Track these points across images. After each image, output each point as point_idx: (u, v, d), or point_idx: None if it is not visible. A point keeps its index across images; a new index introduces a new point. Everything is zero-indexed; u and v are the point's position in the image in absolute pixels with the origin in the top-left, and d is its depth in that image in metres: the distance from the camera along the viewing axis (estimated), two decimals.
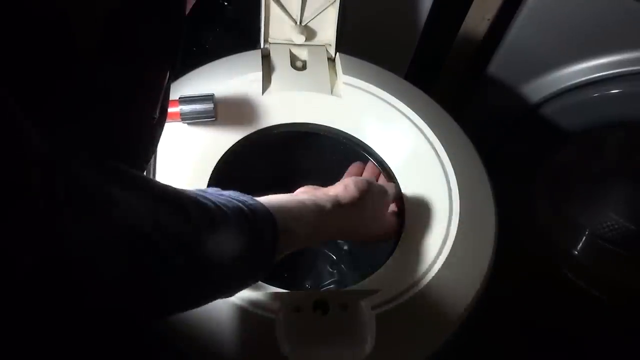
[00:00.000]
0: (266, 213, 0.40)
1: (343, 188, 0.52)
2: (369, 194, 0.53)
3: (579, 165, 1.00)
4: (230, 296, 0.41)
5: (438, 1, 0.89)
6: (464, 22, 0.89)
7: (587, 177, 1.02)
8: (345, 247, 0.82)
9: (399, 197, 0.61)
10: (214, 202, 0.35)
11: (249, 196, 0.40)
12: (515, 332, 1.06)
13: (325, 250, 0.83)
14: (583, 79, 0.77)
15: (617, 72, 0.75)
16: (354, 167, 0.67)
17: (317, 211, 0.47)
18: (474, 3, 0.87)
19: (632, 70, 0.73)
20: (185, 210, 0.32)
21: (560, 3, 0.73)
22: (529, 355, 1.07)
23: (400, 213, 0.60)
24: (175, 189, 0.34)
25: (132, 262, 0.28)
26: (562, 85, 0.79)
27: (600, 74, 0.76)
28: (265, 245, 0.39)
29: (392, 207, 0.60)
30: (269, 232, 0.39)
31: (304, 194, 0.51)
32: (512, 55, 0.81)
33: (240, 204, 0.37)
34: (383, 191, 0.57)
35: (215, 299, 0.38)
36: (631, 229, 0.99)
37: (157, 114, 0.41)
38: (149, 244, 0.29)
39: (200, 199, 0.35)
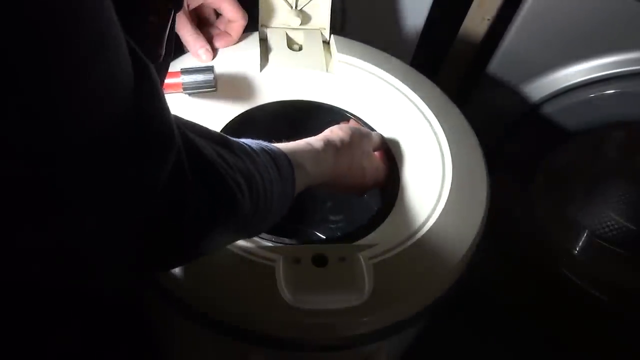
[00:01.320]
0: (280, 152, 0.45)
1: (329, 132, 0.57)
2: (354, 134, 0.57)
3: (579, 165, 1.00)
4: (262, 231, 0.48)
5: (438, 1, 0.89)
6: (464, 22, 0.89)
7: (587, 177, 1.02)
8: (339, 224, 0.83)
9: (385, 146, 0.64)
10: (246, 144, 0.41)
11: (263, 141, 0.45)
12: (514, 331, 1.06)
13: (318, 233, 0.85)
14: (583, 79, 0.77)
15: (617, 72, 0.75)
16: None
17: (313, 149, 0.51)
18: (473, 3, 0.87)
19: (632, 70, 0.73)
20: (232, 148, 0.38)
21: (560, 3, 0.73)
22: (529, 355, 1.07)
23: (390, 161, 0.62)
24: (217, 133, 0.39)
25: (218, 190, 0.33)
26: (562, 85, 0.79)
27: (600, 74, 0.76)
28: (287, 177, 0.44)
29: (379, 154, 0.64)
30: (287, 166, 0.44)
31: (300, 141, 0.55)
32: (512, 55, 0.81)
33: (261, 145, 0.43)
34: (366, 132, 0.61)
35: (260, 228, 0.46)
36: (631, 229, 0.99)
37: (163, 52, 0.41)
38: (228, 173, 0.34)
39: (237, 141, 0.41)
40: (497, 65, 0.84)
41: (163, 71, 0.44)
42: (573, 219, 1.02)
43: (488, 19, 0.87)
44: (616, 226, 1.00)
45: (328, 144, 0.53)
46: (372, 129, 0.66)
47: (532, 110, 0.84)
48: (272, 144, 0.46)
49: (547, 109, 0.82)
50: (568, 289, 0.97)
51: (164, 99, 0.28)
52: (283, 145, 0.48)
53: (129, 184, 0.26)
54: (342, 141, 0.55)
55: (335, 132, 0.57)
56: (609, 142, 0.97)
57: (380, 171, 0.61)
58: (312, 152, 0.51)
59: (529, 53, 0.80)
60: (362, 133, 0.60)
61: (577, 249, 1.01)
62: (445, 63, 0.97)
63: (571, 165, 0.98)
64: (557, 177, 0.96)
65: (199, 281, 0.47)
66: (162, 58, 0.41)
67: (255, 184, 0.38)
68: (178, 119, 0.33)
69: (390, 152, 0.63)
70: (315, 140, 0.53)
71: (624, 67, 0.74)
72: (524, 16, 0.77)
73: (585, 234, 1.02)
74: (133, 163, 0.26)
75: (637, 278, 0.96)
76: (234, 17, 0.66)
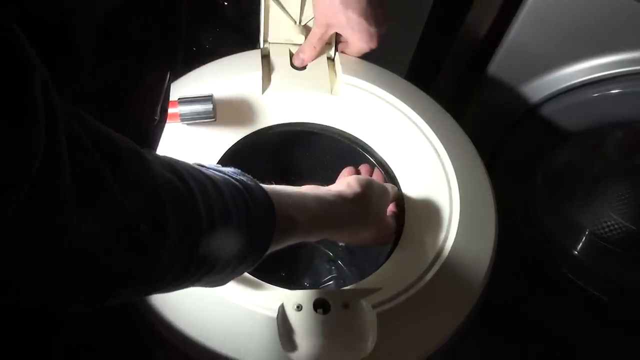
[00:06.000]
0: (264, 195, 0.37)
1: (345, 185, 0.50)
2: (371, 192, 0.51)
3: (579, 165, 1.00)
4: (219, 285, 0.38)
5: (438, 1, 0.89)
6: (464, 22, 0.89)
7: (587, 177, 1.02)
8: (342, 244, 0.83)
9: (399, 199, 0.60)
10: (210, 179, 0.34)
11: (249, 176, 0.38)
12: (514, 331, 1.06)
13: (322, 248, 0.83)
14: (583, 79, 0.77)
15: (617, 72, 0.74)
16: (347, 170, 0.65)
17: (320, 203, 0.45)
18: (474, 3, 0.87)
19: (632, 70, 0.73)
20: (188, 185, 0.31)
21: (561, 3, 0.73)
22: (529, 355, 1.07)
23: (400, 214, 0.59)
24: (176, 166, 0.31)
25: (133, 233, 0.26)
26: (562, 85, 0.79)
27: (600, 74, 0.75)
28: (260, 227, 0.36)
29: (391, 208, 0.60)
30: (265, 215, 0.37)
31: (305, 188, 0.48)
32: (512, 55, 0.81)
33: (237, 183, 0.36)
34: (385, 190, 0.55)
35: (204, 281, 0.36)
36: (631, 229, 0.99)
37: (158, 114, 0.41)
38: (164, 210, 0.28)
39: (195, 174, 0.33)
40: (497, 65, 0.84)
41: (158, 134, 0.43)
42: (573, 219, 1.02)
43: (488, 19, 0.87)
44: (616, 226, 1.00)
45: (341, 199, 0.47)
46: (387, 165, 0.64)
47: (532, 110, 0.83)
48: (258, 185, 0.38)
49: (547, 109, 0.82)
50: (568, 289, 0.97)
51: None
52: (277, 188, 0.40)
53: None
54: (356, 198, 0.49)
55: (353, 187, 0.50)
56: (609, 142, 0.97)
57: (388, 231, 0.56)
58: (318, 204, 0.44)
59: (529, 53, 0.80)
60: (380, 190, 0.54)
61: (577, 249, 1.01)
62: (446, 63, 0.97)
63: (571, 165, 0.98)
64: (557, 177, 0.96)
65: (197, 333, 0.46)
66: (156, 122, 0.40)
67: (196, 229, 0.30)
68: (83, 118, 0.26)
69: (402, 201, 0.60)
70: (327, 194, 0.47)
71: (624, 67, 0.74)
72: (524, 16, 0.76)
73: (585, 234, 1.02)
74: None
75: (637, 278, 0.96)
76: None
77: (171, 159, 0.32)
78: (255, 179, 0.38)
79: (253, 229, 0.36)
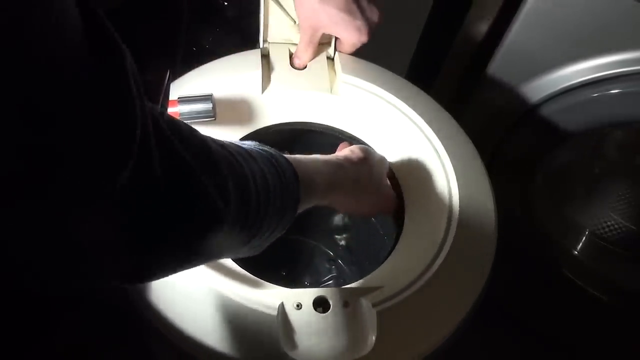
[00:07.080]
0: (287, 162, 0.41)
1: (349, 151, 0.54)
2: (372, 157, 0.55)
3: (579, 165, 1.00)
4: (258, 251, 0.41)
5: (438, 1, 0.89)
6: (464, 22, 0.89)
7: (587, 177, 1.02)
8: (342, 243, 0.83)
9: (391, 172, 0.62)
10: (244, 146, 0.37)
11: (268, 146, 0.41)
12: (514, 332, 1.06)
13: (322, 247, 0.83)
14: (583, 79, 0.77)
15: (617, 72, 0.74)
16: (342, 144, 0.66)
17: (330, 166, 0.48)
18: (474, 3, 0.87)
19: (632, 70, 0.73)
20: (234, 156, 0.33)
21: (560, 3, 0.73)
22: (528, 355, 1.07)
23: (395, 188, 0.61)
24: (215, 140, 0.34)
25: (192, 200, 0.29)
26: (562, 85, 0.79)
27: (600, 74, 0.75)
28: (290, 191, 0.40)
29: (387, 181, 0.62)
30: (292, 179, 0.40)
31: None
32: (512, 55, 0.81)
33: (263, 152, 0.39)
34: (382, 158, 0.59)
35: (249, 246, 0.39)
36: (631, 229, 0.99)
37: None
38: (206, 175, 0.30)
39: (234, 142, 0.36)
40: (497, 65, 0.84)
41: None
42: (573, 219, 1.02)
43: (488, 19, 0.87)
44: (616, 226, 1.00)
45: (348, 161, 0.51)
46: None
47: (532, 110, 0.83)
48: (279, 153, 0.42)
49: (547, 109, 0.82)
50: (568, 289, 0.97)
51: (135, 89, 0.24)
52: (291, 157, 0.44)
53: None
54: (361, 161, 0.53)
55: (356, 152, 0.54)
56: (609, 142, 0.97)
57: (391, 198, 0.59)
58: (328, 167, 0.48)
59: (529, 53, 0.80)
60: (379, 157, 0.58)
61: (577, 249, 1.01)
62: (445, 63, 0.97)
63: (571, 165, 0.98)
64: (556, 177, 0.96)
65: (197, 331, 0.46)
66: None
67: (248, 194, 0.33)
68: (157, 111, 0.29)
69: (397, 181, 0.62)
70: (335, 157, 0.51)
71: (624, 67, 0.74)
72: (524, 16, 0.76)
73: (585, 234, 1.02)
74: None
75: (637, 278, 0.96)
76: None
77: (206, 135, 0.34)
78: (274, 148, 0.42)
79: (286, 192, 0.39)
